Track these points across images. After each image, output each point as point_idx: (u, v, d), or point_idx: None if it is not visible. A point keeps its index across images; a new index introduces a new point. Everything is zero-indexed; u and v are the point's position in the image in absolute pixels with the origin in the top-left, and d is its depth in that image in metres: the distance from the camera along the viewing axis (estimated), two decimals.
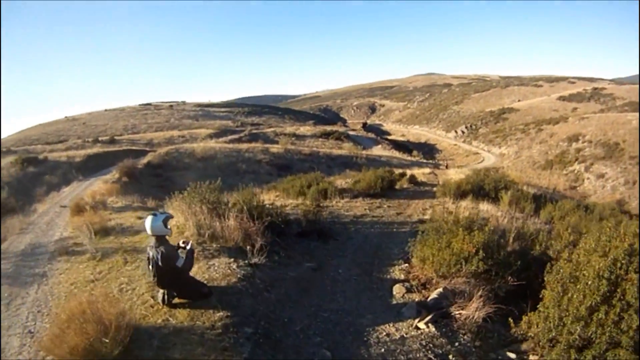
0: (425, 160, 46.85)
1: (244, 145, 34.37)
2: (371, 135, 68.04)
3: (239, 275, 5.24)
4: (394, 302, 5.23)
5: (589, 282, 3.47)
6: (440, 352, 4.03)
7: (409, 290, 5.44)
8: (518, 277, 5.16)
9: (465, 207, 11.93)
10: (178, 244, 4.55)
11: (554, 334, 3.65)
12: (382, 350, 4.05)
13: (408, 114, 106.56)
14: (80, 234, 8.01)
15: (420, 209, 12.03)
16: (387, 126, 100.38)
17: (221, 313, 4.24)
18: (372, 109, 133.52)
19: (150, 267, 4.21)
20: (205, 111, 75.62)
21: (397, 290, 5.50)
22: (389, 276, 6.29)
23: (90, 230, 7.84)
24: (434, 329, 4.41)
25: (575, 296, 3.55)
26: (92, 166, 26.86)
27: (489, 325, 4.47)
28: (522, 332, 4.28)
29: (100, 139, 41.86)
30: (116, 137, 43.21)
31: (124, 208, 12.18)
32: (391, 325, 4.57)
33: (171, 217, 4.44)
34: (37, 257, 7.53)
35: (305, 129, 55.06)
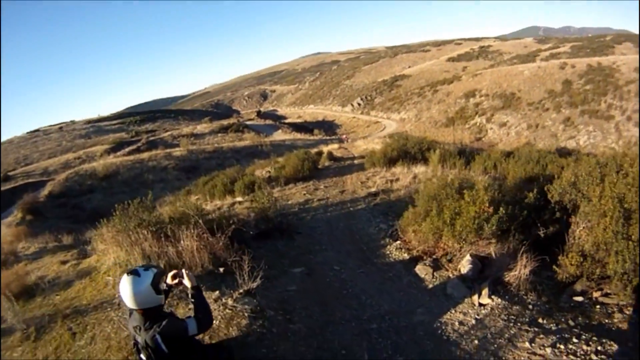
0: (328, 137, 48.19)
1: (146, 155, 33.43)
2: (269, 121, 68.73)
3: (247, 313, 4.26)
4: (430, 285, 4.92)
5: None
6: (527, 319, 3.92)
7: (435, 268, 5.13)
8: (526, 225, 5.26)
9: (401, 172, 12.24)
10: (164, 283, 2.86)
11: (628, 265, 3.84)
12: (475, 342, 3.74)
13: (301, 95, 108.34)
14: None
15: (358, 183, 12.12)
16: (282, 110, 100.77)
17: None
18: (264, 96, 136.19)
19: (143, 357, 2.74)
20: (96, 127, 71.54)
21: (424, 271, 5.18)
22: (391, 259, 5.99)
23: (10, 297, 5.93)
24: (499, 300, 4.26)
25: None
26: None
27: (530, 278, 4.50)
28: (567, 274, 4.38)
29: None
30: (9, 173, 38.35)
31: (40, 253, 10.30)
32: (453, 311, 4.27)
33: (162, 272, 2.81)
34: None
35: (203, 127, 54.11)
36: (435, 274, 5.07)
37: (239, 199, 11.42)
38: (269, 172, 16.13)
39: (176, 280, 2.91)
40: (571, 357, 3.38)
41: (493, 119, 42.77)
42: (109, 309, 4.96)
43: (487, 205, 5.02)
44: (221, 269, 5.34)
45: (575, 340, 3.56)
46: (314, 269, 5.93)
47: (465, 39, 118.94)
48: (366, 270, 5.68)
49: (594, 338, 3.55)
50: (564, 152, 20.69)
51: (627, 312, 3.85)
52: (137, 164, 30.90)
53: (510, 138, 38.65)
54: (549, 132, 36.59)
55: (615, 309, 3.92)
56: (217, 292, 4.73)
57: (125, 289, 2.55)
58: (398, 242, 6.42)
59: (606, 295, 4.11)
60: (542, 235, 5.24)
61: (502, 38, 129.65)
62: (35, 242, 11.82)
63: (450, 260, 5.20)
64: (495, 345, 3.66)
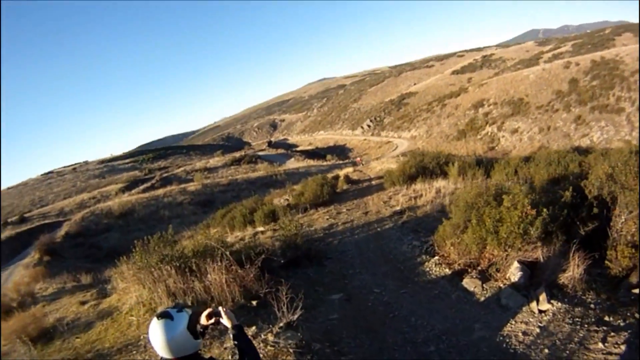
0: (341, 162, 48.24)
1: (160, 191, 33.81)
2: (281, 151, 69.22)
3: (292, 349, 3.94)
4: (482, 298, 4.68)
5: None
6: (593, 320, 3.78)
7: (484, 280, 4.87)
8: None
9: (423, 188, 12.08)
10: (199, 323, 2.35)
11: None
12: (545, 350, 3.57)
13: (310, 122, 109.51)
14: (14, 348, 5.91)
15: (380, 202, 11.94)
16: (292, 139, 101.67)
17: None
18: (274, 126, 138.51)
19: None
20: (110, 166, 73.48)
21: (472, 284, 4.94)
22: (432, 276, 5.73)
23: (27, 341, 5.69)
24: (559, 304, 4.10)
25: None
26: (7, 252, 24.94)
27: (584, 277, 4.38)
28: (620, 268, 4.28)
29: (9, 220, 37.81)
30: (25, 215, 39.32)
31: (58, 293, 10.24)
32: (514, 322, 4.07)
33: (198, 312, 2.40)
34: None
35: (215, 161, 54.70)
36: (484, 285, 4.83)
37: (261, 228, 11.33)
38: (287, 199, 16.06)
39: (212, 320, 2.45)
40: None
41: (504, 126, 42.31)
42: (134, 352, 4.74)
43: (529, 207, 4.80)
44: (254, 302, 5.12)
45: None
46: (352, 294, 5.70)
47: (467, 51, 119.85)
48: (409, 290, 5.43)
49: None
50: (580, 151, 20.34)
51: None
52: (152, 200, 31.31)
53: (523, 144, 38.05)
54: (562, 133, 36.00)
55: None
56: (254, 327, 4.44)
57: (157, 335, 2.12)
58: (436, 257, 6.18)
59: None
60: (583, 232, 5.06)
61: (504, 45, 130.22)
62: (53, 283, 11.91)
63: (498, 270, 4.94)
64: (567, 352, 3.48)
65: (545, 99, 41.67)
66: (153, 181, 45.14)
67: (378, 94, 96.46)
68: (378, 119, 76.49)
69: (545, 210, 4.76)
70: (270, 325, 4.40)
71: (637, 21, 59.83)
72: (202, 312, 2.40)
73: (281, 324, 4.32)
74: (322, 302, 5.46)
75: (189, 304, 5.11)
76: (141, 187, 41.95)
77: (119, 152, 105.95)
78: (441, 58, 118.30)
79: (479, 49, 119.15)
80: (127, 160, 79.84)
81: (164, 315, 2.13)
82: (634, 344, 3.33)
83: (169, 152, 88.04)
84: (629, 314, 3.71)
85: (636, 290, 4.01)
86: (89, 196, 42.96)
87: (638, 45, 36.13)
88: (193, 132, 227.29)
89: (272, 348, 3.99)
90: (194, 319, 2.23)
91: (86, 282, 11.21)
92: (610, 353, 3.30)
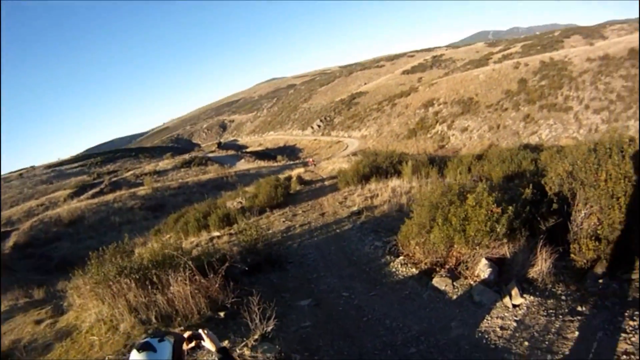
0: (292, 162, 48.54)
1: (110, 196, 33.23)
2: (231, 152, 68.73)
3: None
4: (454, 296, 4.79)
5: None
6: (566, 310, 4.02)
7: (454, 278, 5.04)
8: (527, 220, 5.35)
9: (378, 188, 12.30)
10: (183, 353, 2.14)
11: None
12: (525, 343, 3.72)
13: (260, 123, 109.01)
14: None
15: (336, 203, 12.06)
16: (242, 140, 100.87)
17: None
18: (223, 127, 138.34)
19: None
20: (57, 171, 70.37)
21: (443, 283, 5.05)
22: (399, 276, 5.81)
23: None
24: (532, 297, 4.33)
25: None
26: None
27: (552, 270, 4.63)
28: (585, 260, 4.51)
29: None
30: None
31: (10, 312, 9.48)
32: (489, 318, 4.21)
33: (181, 338, 2.16)
34: None
35: (165, 163, 53.56)
36: (455, 284, 4.95)
37: (216, 233, 11.12)
38: (241, 202, 15.79)
39: (192, 344, 2.26)
40: (623, 335, 3.47)
41: (454, 125, 44.07)
42: None
43: (494, 206, 4.99)
44: (221, 313, 4.95)
45: (619, 318, 3.68)
46: (320, 298, 5.66)
47: (417, 51, 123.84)
48: (378, 292, 5.46)
49: (636, 312, 3.67)
50: (530, 148, 21.49)
51: None
52: (102, 206, 30.60)
53: (473, 142, 39.79)
54: (511, 131, 37.98)
55: None
56: (227, 341, 4.25)
57: None
58: (401, 257, 6.23)
59: (627, 272, 4.27)
60: (545, 228, 5.30)
61: (454, 46, 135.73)
62: (5, 300, 11.12)
63: (467, 268, 5.10)
64: (547, 342, 3.66)
65: (494, 98, 43.84)
66: (102, 186, 44.08)
67: (328, 94, 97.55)
68: (328, 118, 77.22)
69: (510, 208, 4.95)
70: (244, 338, 4.25)
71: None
72: (184, 338, 2.18)
73: (256, 336, 4.18)
74: (291, 309, 5.38)
75: (153, 319, 4.85)
76: (90, 193, 41.15)
77: (66, 155, 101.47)
78: (392, 58, 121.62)
79: (429, 50, 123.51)
80: (75, 165, 76.95)
81: (145, 347, 1.89)
82: (608, 330, 3.57)
83: (117, 155, 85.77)
84: (599, 303, 3.98)
85: (603, 280, 4.28)
86: (36, 203, 41.35)
87: (638, 39, 37.90)
88: (142, 134, 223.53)
89: None
90: (177, 348, 2.02)
91: (39, 297, 10.78)
92: (587, 340, 3.53)
